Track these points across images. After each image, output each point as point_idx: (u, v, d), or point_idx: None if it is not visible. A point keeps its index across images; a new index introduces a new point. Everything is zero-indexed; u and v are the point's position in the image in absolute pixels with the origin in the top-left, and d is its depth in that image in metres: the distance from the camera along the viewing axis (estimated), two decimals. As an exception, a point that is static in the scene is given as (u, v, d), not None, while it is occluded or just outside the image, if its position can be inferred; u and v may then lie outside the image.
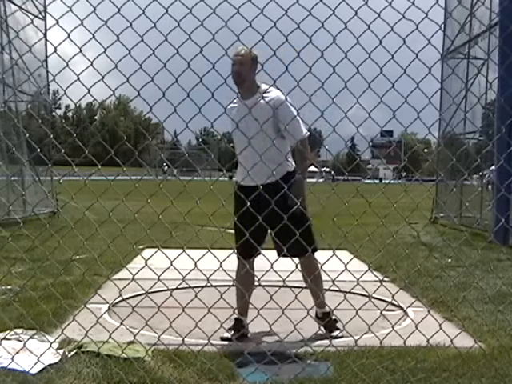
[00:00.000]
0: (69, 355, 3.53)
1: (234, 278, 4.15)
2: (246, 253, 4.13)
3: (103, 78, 2.92)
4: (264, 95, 4.03)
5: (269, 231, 3.98)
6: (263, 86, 4.17)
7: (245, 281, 4.15)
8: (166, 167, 44.30)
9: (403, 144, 58.65)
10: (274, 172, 3.79)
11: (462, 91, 12.61)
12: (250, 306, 4.10)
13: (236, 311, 4.03)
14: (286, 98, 3.96)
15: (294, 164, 4.27)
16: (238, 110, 4.09)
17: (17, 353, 3.38)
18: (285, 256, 3.64)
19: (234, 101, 4.22)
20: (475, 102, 11.83)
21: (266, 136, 3.81)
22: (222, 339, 4.10)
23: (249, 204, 3.18)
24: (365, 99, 3.12)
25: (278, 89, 4.07)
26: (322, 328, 4.21)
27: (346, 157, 68.31)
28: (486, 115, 11.80)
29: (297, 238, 3.31)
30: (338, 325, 4.27)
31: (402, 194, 3.25)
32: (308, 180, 4.43)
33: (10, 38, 12.04)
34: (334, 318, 4.36)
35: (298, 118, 4.05)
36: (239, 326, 4.29)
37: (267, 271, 3.28)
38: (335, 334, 4.28)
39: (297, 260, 3.83)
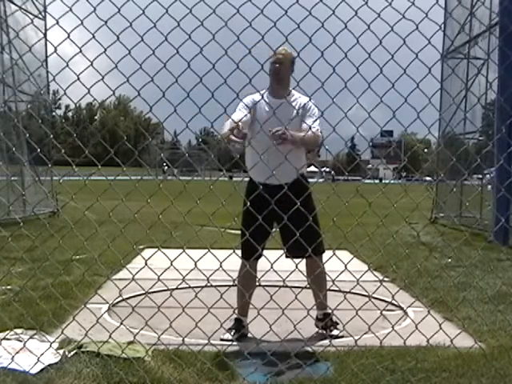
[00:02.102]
0: (69, 355, 3.52)
1: (235, 277, 4.14)
2: (253, 253, 4.11)
3: (103, 78, 2.93)
4: (298, 99, 4.17)
5: (273, 230, 4.01)
6: (292, 91, 4.23)
7: (246, 281, 4.14)
8: (166, 167, 44.29)
9: (403, 144, 58.58)
10: (294, 172, 3.83)
11: (462, 91, 12.61)
12: (250, 306, 4.10)
13: (236, 311, 4.03)
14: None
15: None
16: (269, 107, 4.07)
17: (17, 353, 3.38)
18: (296, 257, 3.67)
19: (256, 95, 4.12)
20: (475, 102, 11.83)
21: None
22: (222, 340, 4.10)
23: (261, 203, 3.20)
24: (365, 99, 3.12)
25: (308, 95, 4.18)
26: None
27: (345, 157, 68.25)
28: (486, 115, 11.81)
29: (310, 239, 3.34)
30: (338, 326, 4.27)
31: (402, 194, 3.25)
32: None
33: (9, 38, 12.04)
34: (334, 320, 4.35)
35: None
36: (239, 326, 4.29)
37: (267, 271, 3.29)
38: (335, 333, 4.28)
39: (297, 260, 3.83)
